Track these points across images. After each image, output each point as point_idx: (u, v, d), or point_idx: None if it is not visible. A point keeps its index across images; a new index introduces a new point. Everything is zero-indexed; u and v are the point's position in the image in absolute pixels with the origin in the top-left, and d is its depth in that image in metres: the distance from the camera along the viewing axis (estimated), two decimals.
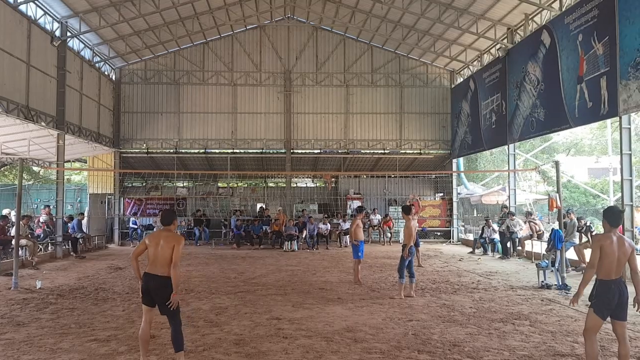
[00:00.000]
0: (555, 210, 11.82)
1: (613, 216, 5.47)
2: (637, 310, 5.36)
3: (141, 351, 5.84)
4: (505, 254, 17.11)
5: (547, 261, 11.55)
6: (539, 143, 30.92)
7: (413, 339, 7.02)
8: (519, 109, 17.80)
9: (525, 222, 17.28)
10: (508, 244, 17.21)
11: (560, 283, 10.89)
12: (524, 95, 17.42)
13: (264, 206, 25.31)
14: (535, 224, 16.90)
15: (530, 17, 17.57)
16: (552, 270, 11.44)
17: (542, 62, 16.09)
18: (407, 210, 10.56)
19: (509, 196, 19.68)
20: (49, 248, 17.26)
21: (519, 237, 17.04)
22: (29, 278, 12.27)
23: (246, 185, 28.25)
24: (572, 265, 13.48)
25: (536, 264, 11.99)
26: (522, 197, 24.48)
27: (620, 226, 13.30)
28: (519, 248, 17.11)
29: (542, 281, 11.30)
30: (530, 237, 16.71)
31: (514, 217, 17.50)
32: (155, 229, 23.06)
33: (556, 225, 12.41)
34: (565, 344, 6.81)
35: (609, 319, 5.45)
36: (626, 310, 5.37)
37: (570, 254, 13.53)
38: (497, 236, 17.94)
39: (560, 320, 8.11)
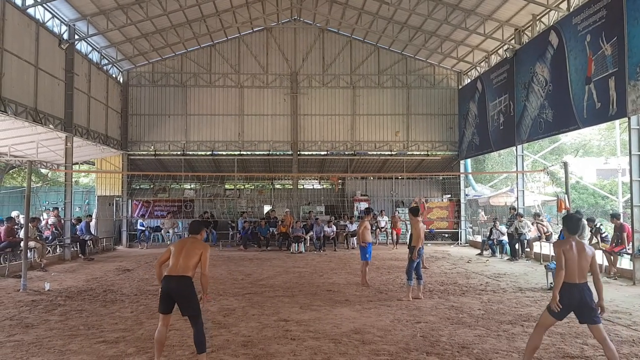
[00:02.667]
0: (563, 211, 11.75)
1: (572, 224, 5.68)
2: (600, 314, 5.39)
3: (155, 353, 5.85)
4: (513, 255, 17.02)
5: (555, 262, 11.47)
6: (548, 144, 30.80)
7: (421, 340, 6.99)
8: (527, 110, 17.72)
9: (533, 224, 17.20)
10: (516, 246, 17.13)
11: None
12: (532, 96, 17.35)
13: (271, 208, 25.33)
14: (544, 225, 16.81)
15: (537, 17, 17.50)
16: None
17: (550, 63, 16.01)
18: (415, 212, 10.52)
19: (517, 198, 19.59)
20: (58, 250, 17.32)
21: (527, 238, 16.96)
22: (38, 280, 12.33)
23: (253, 187, 28.29)
24: None
25: (545, 266, 11.93)
26: (531, 199, 24.36)
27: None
28: (527, 249, 17.03)
29: (551, 283, 11.22)
30: (539, 238, 16.62)
31: (523, 219, 17.41)
32: (162, 231, 23.19)
33: None
34: (575, 345, 6.76)
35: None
36: (595, 314, 5.37)
37: None
38: (505, 237, 17.86)
39: (569, 322, 8.03)
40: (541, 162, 26.64)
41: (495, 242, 18.26)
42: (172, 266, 5.82)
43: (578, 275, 5.41)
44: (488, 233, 19.02)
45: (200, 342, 5.75)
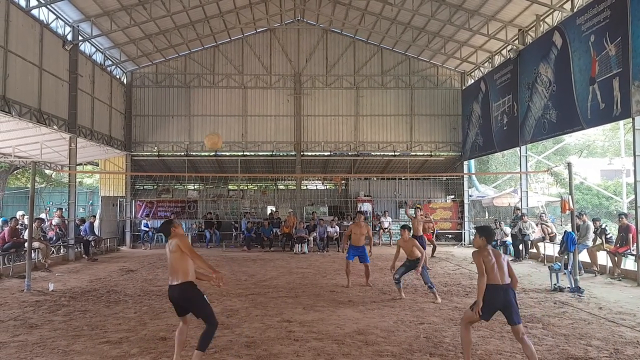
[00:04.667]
0: (567, 212, 11.71)
1: (489, 234, 6.14)
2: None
3: (176, 349, 5.93)
4: (517, 256, 16.99)
5: (559, 264, 11.45)
6: (551, 145, 30.66)
7: (425, 342, 6.99)
8: (530, 110, 17.68)
9: (537, 225, 17.15)
10: (520, 247, 17.08)
11: (573, 286, 10.78)
12: (535, 97, 17.31)
13: (274, 209, 25.34)
14: (548, 226, 16.77)
15: (541, 18, 17.46)
16: (564, 273, 11.34)
17: (554, 63, 15.98)
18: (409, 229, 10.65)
19: (521, 198, 19.55)
20: (61, 251, 17.37)
21: (531, 239, 16.92)
22: (42, 280, 12.37)
23: (256, 188, 28.31)
24: (584, 267, 13.35)
25: (549, 267, 11.90)
26: (534, 200, 24.25)
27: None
28: (533, 250, 16.97)
29: (555, 284, 11.20)
30: (543, 239, 16.58)
31: (527, 220, 17.36)
32: None
33: (569, 228, 12.31)
34: (579, 347, 6.74)
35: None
36: (517, 315, 5.76)
37: (583, 257, 13.41)
38: (509, 238, 17.82)
39: (573, 323, 8.03)
40: (545, 163, 26.55)
41: (499, 243, 18.21)
42: (169, 275, 5.88)
43: (500, 277, 5.76)
44: None
45: (204, 341, 5.71)
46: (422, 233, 15.11)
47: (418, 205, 17.55)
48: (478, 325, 7.82)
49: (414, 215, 15.86)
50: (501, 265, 5.81)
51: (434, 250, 18.11)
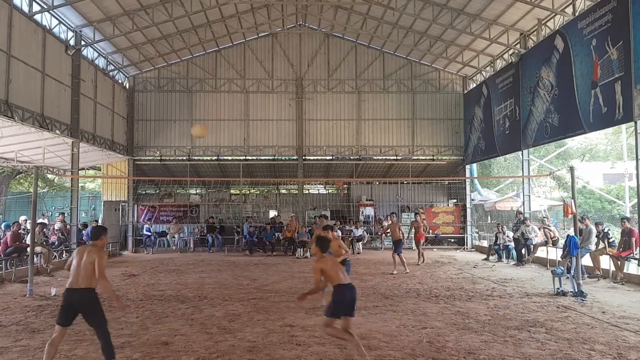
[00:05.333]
0: (570, 216, 11.68)
1: (323, 244, 6.40)
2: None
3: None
4: (520, 260, 16.95)
5: (562, 268, 11.42)
6: (554, 149, 30.66)
7: (428, 346, 6.96)
8: (532, 114, 17.68)
9: (539, 229, 17.12)
10: (523, 251, 17.05)
11: (576, 290, 10.74)
12: (537, 101, 17.30)
13: (276, 213, 25.33)
14: (550, 230, 16.73)
15: (543, 22, 17.48)
16: (567, 277, 11.30)
17: (556, 67, 15.98)
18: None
19: (523, 202, 19.52)
20: (64, 255, 17.37)
21: (533, 243, 16.88)
22: (44, 285, 12.36)
23: (258, 192, 28.31)
24: (587, 272, 13.31)
25: (551, 271, 11.86)
26: (537, 204, 24.23)
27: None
28: (534, 254, 16.93)
29: (558, 288, 11.17)
30: (545, 243, 16.54)
31: (529, 224, 17.33)
32: (168, 236, 23.24)
33: (571, 232, 12.28)
34: (582, 351, 6.71)
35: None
36: (354, 308, 6.22)
37: (586, 261, 13.37)
38: (511, 243, 17.79)
39: (576, 328, 8.00)
40: (547, 167, 26.54)
41: (501, 247, 18.19)
42: (73, 279, 5.77)
43: (343, 277, 6.19)
44: (494, 238, 18.94)
45: (108, 351, 5.71)
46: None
47: (421, 210, 17.58)
48: (481, 330, 7.81)
49: (414, 219, 15.92)
50: (340, 268, 6.33)
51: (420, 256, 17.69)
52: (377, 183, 26.51)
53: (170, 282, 13.09)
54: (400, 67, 25.17)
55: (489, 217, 26.96)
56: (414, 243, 19.23)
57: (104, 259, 5.90)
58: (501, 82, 20.29)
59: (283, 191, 28.59)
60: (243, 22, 22.73)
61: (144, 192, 26.26)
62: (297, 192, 26.65)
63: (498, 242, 18.33)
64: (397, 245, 14.97)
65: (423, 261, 17.22)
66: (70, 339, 7.29)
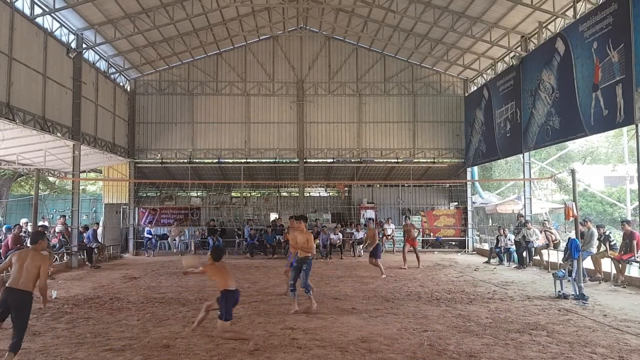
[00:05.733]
0: (571, 219, 11.66)
1: (219, 254, 7.15)
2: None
3: None
4: (521, 263, 16.92)
5: (564, 271, 11.40)
6: (555, 151, 30.66)
7: (429, 349, 6.95)
8: (533, 117, 17.67)
9: (541, 232, 17.10)
10: (524, 254, 17.02)
11: (578, 293, 10.73)
12: (538, 104, 17.30)
13: (277, 216, 25.32)
14: (551, 233, 16.72)
15: (544, 25, 17.49)
16: (569, 280, 11.28)
17: (557, 70, 15.98)
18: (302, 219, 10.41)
19: (524, 205, 19.50)
20: (65, 258, 17.37)
21: (535, 246, 16.86)
22: None
23: (259, 195, 28.32)
24: (589, 274, 13.29)
25: (553, 274, 11.84)
26: (538, 206, 24.21)
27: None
28: (537, 257, 16.91)
29: (559, 291, 11.15)
30: (547, 246, 16.52)
31: (531, 227, 17.31)
32: (169, 239, 23.22)
33: (573, 235, 12.26)
34: (583, 354, 6.70)
35: None
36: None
37: (587, 264, 13.35)
38: (513, 245, 17.77)
39: (577, 331, 7.98)
40: (548, 170, 26.51)
41: (502, 250, 18.16)
42: (14, 279, 6.08)
43: (231, 282, 6.95)
44: (495, 241, 18.93)
45: (16, 346, 6.02)
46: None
47: (422, 213, 17.64)
48: (482, 333, 7.79)
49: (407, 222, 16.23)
50: (229, 272, 7.07)
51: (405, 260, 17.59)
52: (378, 186, 26.51)
53: (171, 285, 13.09)
54: (401, 70, 25.18)
55: (490, 220, 26.94)
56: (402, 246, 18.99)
57: (47, 267, 6.51)
58: (502, 84, 20.29)
59: (284, 194, 28.60)
60: (244, 25, 22.76)
61: (145, 195, 26.26)
62: (298, 194, 26.64)
63: (499, 245, 18.30)
64: (375, 249, 15.32)
65: (405, 263, 17.04)
66: (70, 342, 7.30)
